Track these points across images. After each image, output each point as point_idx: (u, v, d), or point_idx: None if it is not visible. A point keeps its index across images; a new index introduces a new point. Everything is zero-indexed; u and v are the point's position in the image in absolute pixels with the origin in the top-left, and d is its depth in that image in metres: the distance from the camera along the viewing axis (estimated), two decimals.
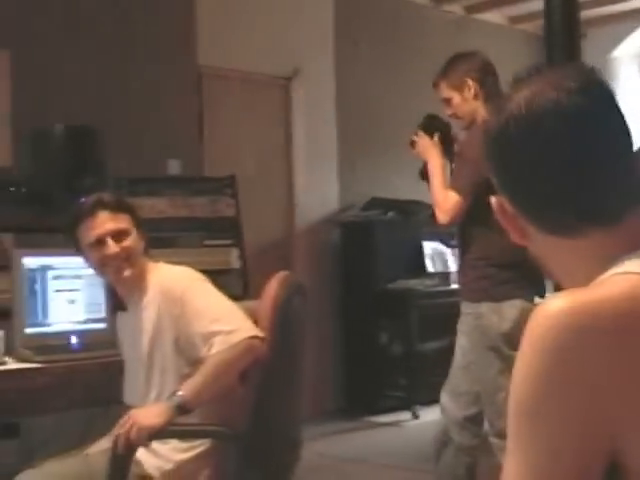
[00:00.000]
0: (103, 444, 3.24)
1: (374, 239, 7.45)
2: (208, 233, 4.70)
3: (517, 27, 9.78)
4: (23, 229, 4.46)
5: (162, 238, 4.32)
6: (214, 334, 2.99)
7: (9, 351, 3.57)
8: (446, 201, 4.00)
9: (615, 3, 9.07)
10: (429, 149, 4.20)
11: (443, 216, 4.03)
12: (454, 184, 4.01)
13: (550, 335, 1.13)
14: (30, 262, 3.75)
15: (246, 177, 6.48)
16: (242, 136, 7.41)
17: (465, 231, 4.10)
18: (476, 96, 4.10)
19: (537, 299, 3.97)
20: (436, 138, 4.21)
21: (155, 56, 6.62)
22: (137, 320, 3.21)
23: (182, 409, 2.95)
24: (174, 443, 3.13)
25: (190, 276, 3.22)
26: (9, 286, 3.76)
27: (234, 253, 4.72)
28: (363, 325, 7.58)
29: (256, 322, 3.09)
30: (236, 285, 4.61)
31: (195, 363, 3.05)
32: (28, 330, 3.70)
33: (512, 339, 3.85)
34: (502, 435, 3.87)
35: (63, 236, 4.28)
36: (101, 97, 6.23)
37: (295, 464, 3.42)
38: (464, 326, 4.05)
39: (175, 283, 3.16)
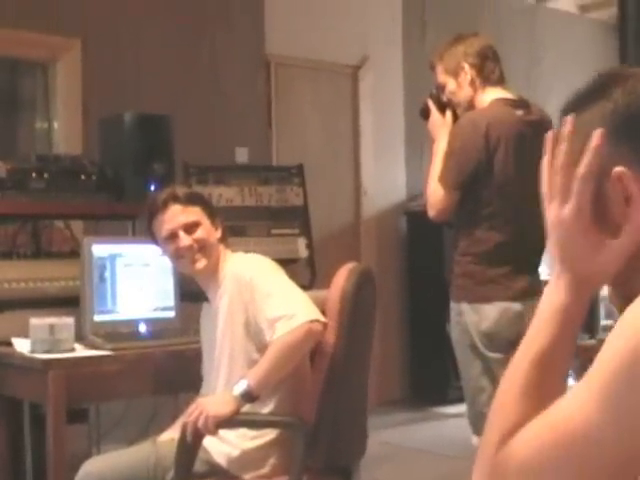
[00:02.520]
0: (171, 433, 3.27)
1: (441, 228, 7.39)
2: (276, 222, 4.70)
3: (588, 15, 9.64)
4: (93, 216, 4.50)
5: (230, 227, 4.31)
6: (278, 319, 3.02)
7: (79, 338, 3.60)
8: (433, 195, 3.75)
9: None
10: (439, 128, 3.89)
11: (430, 210, 3.77)
12: (441, 178, 3.72)
13: None
14: (100, 250, 3.78)
15: (314, 165, 6.47)
16: (310, 124, 7.42)
17: (455, 225, 3.86)
18: (472, 83, 3.80)
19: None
20: (448, 116, 3.90)
21: (224, 45, 6.65)
22: (215, 311, 3.25)
23: (248, 397, 2.98)
24: (242, 430, 3.15)
25: (260, 262, 3.26)
26: (79, 274, 3.79)
27: (302, 242, 4.72)
28: (430, 314, 7.54)
29: (324, 312, 3.09)
30: (304, 274, 4.61)
31: (263, 349, 3.07)
32: (97, 317, 3.74)
33: (492, 339, 3.67)
34: None
35: (132, 223, 4.36)
36: (171, 85, 6.27)
37: (361, 455, 3.42)
38: (451, 322, 3.83)
39: (245, 268, 3.20)
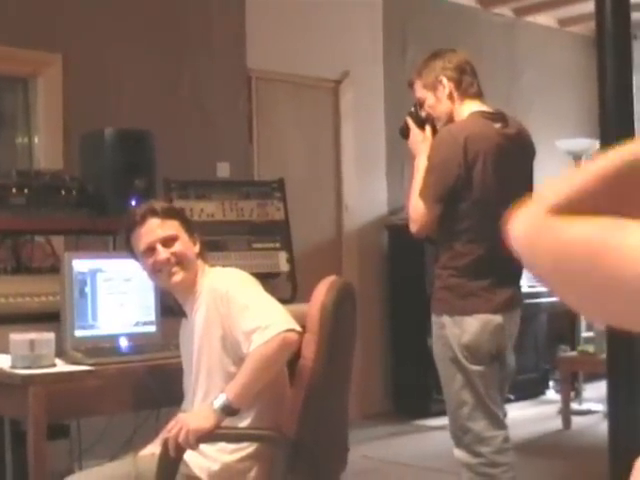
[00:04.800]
0: (152, 448, 3.27)
1: (422, 242, 7.40)
2: (257, 236, 4.70)
3: (567, 29, 9.71)
4: (73, 232, 4.50)
5: (211, 241, 4.33)
6: (253, 331, 3.02)
7: (59, 353, 3.59)
8: (414, 210, 3.76)
9: None
10: (419, 144, 3.91)
11: (412, 225, 3.79)
12: (421, 192, 3.74)
13: None
14: (80, 265, 3.77)
15: (295, 180, 6.49)
16: (291, 139, 7.44)
17: (436, 239, 3.87)
18: (450, 96, 3.82)
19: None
20: (428, 131, 3.93)
21: (205, 60, 6.66)
22: (192, 325, 3.26)
23: (228, 410, 2.99)
24: (221, 444, 3.15)
25: (236, 275, 3.28)
26: (59, 289, 3.79)
27: (283, 256, 4.72)
28: (411, 328, 7.55)
29: (304, 326, 3.10)
30: (285, 288, 4.62)
31: (240, 362, 3.07)
32: (78, 333, 3.73)
33: (473, 352, 3.68)
34: (469, 450, 3.71)
35: (113, 239, 4.35)
36: (151, 101, 6.28)
37: (342, 469, 3.42)
38: (433, 335, 3.83)
39: (221, 282, 3.21)
